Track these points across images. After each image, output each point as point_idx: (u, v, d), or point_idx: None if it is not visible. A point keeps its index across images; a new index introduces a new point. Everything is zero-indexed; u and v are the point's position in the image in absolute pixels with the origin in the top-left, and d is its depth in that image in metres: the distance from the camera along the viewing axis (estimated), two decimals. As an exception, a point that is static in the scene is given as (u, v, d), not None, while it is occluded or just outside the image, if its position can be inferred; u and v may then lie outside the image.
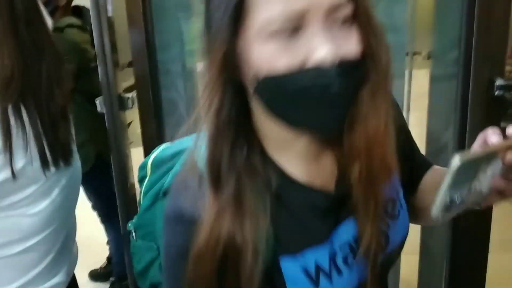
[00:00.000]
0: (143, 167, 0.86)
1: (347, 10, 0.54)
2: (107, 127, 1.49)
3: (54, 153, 1.04)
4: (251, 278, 0.58)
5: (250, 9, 0.53)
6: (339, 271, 0.65)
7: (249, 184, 0.59)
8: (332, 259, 0.64)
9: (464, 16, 1.37)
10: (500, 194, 0.62)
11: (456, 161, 0.52)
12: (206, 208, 0.59)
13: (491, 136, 0.59)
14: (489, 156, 0.57)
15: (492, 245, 1.47)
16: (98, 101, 1.47)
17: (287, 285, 0.62)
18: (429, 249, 1.70)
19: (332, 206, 0.66)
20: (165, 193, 0.75)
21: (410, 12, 1.44)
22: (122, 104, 1.49)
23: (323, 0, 0.51)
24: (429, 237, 1.68)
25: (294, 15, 0.51)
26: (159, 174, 0.81)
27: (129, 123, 1.79)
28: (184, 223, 0.61)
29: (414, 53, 1.55)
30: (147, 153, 1.50)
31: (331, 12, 0.52)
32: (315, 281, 0.63)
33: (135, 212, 0.90)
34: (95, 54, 1.44)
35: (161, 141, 1.54)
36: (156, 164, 0.82)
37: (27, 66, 0.97)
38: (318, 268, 0.63)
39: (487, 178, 0.58)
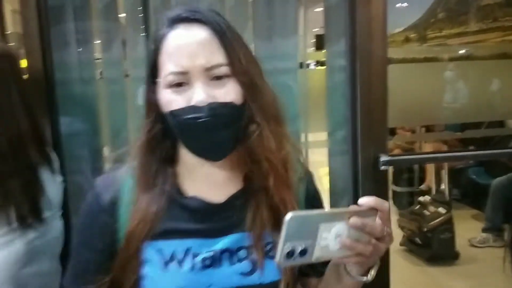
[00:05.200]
0: None
1: (223, 69, 0.75)
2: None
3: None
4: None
5: (159, 67, 0.78)
6: (193, 268, 0.79)
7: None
8: (192, 254, 0.79)
9: (349, 100, 1.56)
10: (356, 255, 0.71)
11: (288, 215, 0.64)
12: (137, 200, 0.81)
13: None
14: (332, 217, 0.69)
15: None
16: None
17: (144, 262, 0.80)
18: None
19: (212, 215, 0.82)
20: None
21: (303, 99, 1.60)
22: None
23: (200, 64, 0.74)
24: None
25: (179, 73, 0.75)
26: None
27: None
28: (94, 195, 0.83)
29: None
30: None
31: (208, 71, 0.75)
32: (165, 263, 0.79)
33: None
34: None
35: None
36: None
37: None
38: (172, 256, 0.80)
39: (332, 236, 0.68)
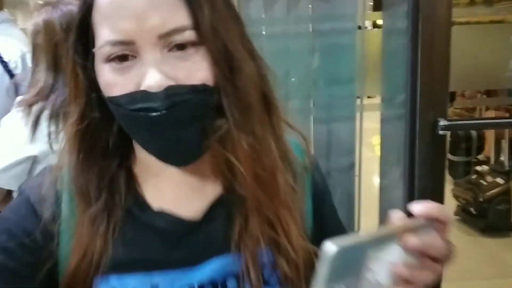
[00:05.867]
0: None
1: (186, 35, 0.50)
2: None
3: None
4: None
5: (93, 32, 0.53)
6: None
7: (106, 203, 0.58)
8: None
9: (409, 63, 1.51)
10: (409, 284, 0.50)
11: (330, 248, 0.42)
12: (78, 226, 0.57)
13: (392, 220, 0.51)
14: (381, 240, 0.49)
15: None
16: None
17: None
18: None
19: (187, 236, 0.59)
20: None
21: (360, 61, 1.56)
22: None
23: (151, 28, 0.49)
24: None
25: (119, 43, 0.50)
26: None
27: None
28: (21, 199, 0.59)
29: (368, 97, 1.68)
30: None
31: (163, 38, 0.50)
32: None
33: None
34: None
35: None
36: None
37: None
38: None
39: (383, 266, 0.49)
